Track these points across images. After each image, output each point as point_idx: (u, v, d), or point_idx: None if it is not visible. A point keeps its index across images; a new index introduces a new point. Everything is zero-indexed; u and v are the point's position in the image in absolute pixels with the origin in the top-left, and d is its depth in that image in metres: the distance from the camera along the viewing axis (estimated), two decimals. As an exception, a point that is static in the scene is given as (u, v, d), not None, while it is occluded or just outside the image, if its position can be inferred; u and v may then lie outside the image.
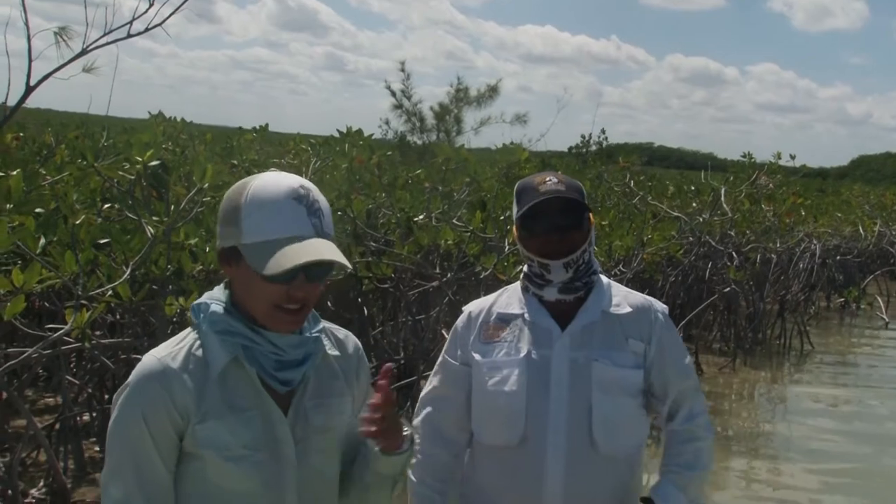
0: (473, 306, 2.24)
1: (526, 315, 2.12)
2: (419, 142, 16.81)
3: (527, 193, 2.08)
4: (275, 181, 1.47)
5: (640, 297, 2.18)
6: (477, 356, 2.14)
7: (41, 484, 4.67)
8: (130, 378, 1.48)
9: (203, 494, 1.48)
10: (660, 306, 2.18)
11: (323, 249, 1.43)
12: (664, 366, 2.12)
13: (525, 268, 2.16)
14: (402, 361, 6.45)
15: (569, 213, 2.04)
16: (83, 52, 4.08)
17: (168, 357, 1.48)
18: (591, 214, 2.12)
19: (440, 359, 2.27)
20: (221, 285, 1.56)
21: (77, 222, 3.48)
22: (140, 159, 4.13)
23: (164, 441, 1.45)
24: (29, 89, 4.01)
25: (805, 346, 10.50)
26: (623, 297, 2.16)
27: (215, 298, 1.53)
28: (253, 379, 1.49)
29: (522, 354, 2.08)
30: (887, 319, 13.01)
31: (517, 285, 2.21)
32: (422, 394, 2.30)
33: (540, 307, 2.12)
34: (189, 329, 1.54)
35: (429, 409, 2.23)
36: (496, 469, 2.11)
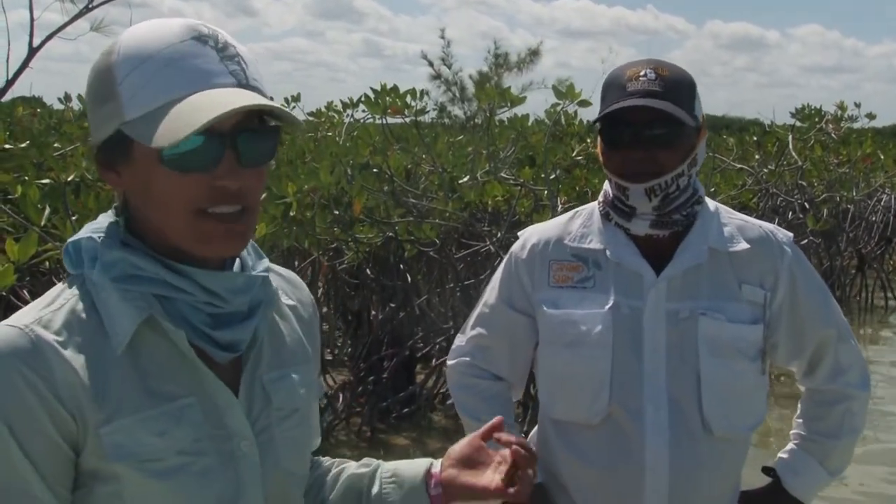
0: (535, 234, 1.71)
1: (608, 253, 1.60)
2: (460, 113, 16.23)
3: (611, 91, 1.54)
4: (158, 24, 0.95)
5: (758, 228, 1.64)
6: (545, 307, 1.62)
7: None
8: None
9: None
10: (783, 236, 1.65)
11: (249, 97, 0.91)
12: (796, 314, 1.61)
13: (606, 186, 1.64)
14: (453, 332, 5.99)
15: (661, 123, 1.50)
16: (87, 8, 3.74)
17: (37, 325, 0.93)
18: (701, 124, 1.57)
19: (481, 306, 1.76)
20: (109, 212, 1.04)
21: (69, 178, 3.06)
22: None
23: (47, 457, 0.92)
24: (32, 50, 3.67)
25: (890, 303, 9.84)
26: (737, 229, 1.62)
27: (101, 230, 1.00)
28: (180, 347, 0.97)
29: (607, 306, 1.57)
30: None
31: (593, 208, 1.68)
32: (455, 344, 1.80)
33: (628, 242, 1.59)
34: (62, 285, 1.00)
35: (467, 357, 1.77)
36: (574, 453, 1.61)
